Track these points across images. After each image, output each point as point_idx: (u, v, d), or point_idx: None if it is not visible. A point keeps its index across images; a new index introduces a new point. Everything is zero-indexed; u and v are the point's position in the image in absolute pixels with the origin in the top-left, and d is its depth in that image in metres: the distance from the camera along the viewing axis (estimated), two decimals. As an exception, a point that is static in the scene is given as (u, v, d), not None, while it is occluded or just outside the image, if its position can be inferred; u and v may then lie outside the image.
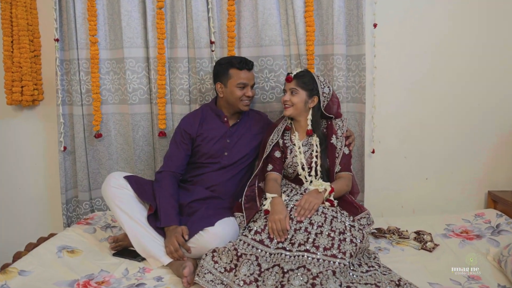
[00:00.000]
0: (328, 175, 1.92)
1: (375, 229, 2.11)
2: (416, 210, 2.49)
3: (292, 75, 1.95)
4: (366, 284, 1.55)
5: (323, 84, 1.96)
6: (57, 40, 2.30)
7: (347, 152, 1.95)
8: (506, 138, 2.41)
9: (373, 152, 2.40)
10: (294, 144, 1.97)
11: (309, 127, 1.95)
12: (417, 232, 2.06)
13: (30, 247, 1.90)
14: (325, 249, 1.59)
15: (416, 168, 2.46)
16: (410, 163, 2.46)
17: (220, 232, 1.74)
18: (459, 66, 2.37)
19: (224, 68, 2.05)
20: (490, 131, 2.42)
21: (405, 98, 2.40)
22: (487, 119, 2.41)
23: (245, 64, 2.04)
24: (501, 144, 2.42)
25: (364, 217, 1.85)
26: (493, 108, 2.39)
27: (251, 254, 1.61)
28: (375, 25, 2.28)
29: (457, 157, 2.44)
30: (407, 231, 2.09)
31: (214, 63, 2.19)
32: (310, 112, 1.96)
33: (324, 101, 1.96)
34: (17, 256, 1.83)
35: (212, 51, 2.29)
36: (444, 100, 2.40)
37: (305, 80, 1.94)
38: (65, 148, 2.38)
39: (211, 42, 2.29)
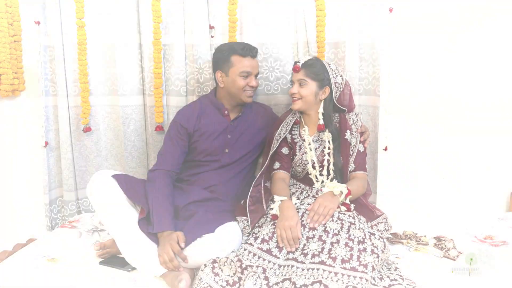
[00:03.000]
0: (341, 175, 1.80)
1: (390, 233, 1.97)
2: (432, 213, 2.37)
3: (300, 64, 1.82)
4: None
5: (335, 73, 1.82)
6: (38, 23, 2.14)
7: (362, 149, 1.84)
8: (531, 135, 2.34)
9: (385, 149, 2.25)
10: (304, 140, 1.84)
11: (321, 122, 1.81)
12: (437, 238, 1.93)
13: (4, 256, 1.77)
14: (343, 261, 1.44)
15: (432, 167, 2.36)
16: (426, 161, 2.36)
17: (222, 240, 1.60)
18: (483, 56, 2.25)
19: (225, 54, 1.91)
20: (513, 127, 2.34)
21: (423, 91, 2.29)
22: (510, 114, 2.30)
23: (249, 50, 1.90)
24: (525, 141, 2.34)
25: (382, 222, 1.75)
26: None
27: (257, 266, 1.47)
28: (390, 10, 2.13)
29: (476, 155, 2.35)
30: (425, 236, 1.96)
31: (213, 50, 2.05)
32: (321, 104, 1.82)
33: (336, 92, 1.84)
34: (-13, 268, 1.70)
35: (212, 37, 2.15)
36: (464, 94, 2.30)
37: (315, 69, 1.80)
38: (46, 143, 2.24)
39: (211, 27, 2.14)
